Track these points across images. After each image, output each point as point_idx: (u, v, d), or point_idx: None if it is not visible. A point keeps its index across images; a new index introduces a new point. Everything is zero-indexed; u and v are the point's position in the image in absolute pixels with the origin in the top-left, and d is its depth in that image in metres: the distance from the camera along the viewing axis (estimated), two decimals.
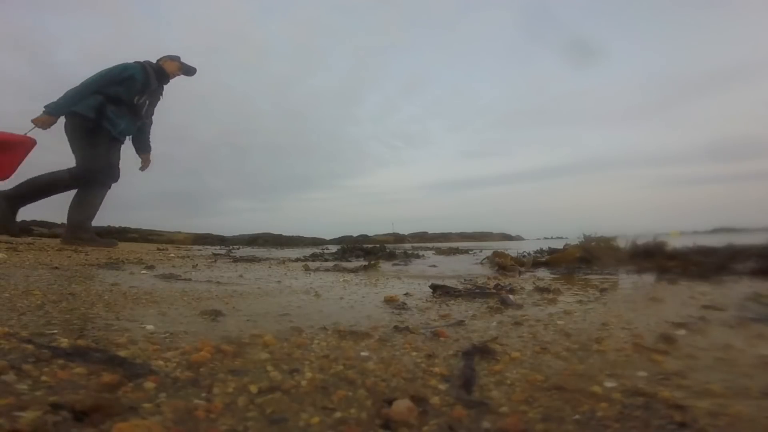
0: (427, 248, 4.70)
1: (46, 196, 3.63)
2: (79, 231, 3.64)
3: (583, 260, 2.56)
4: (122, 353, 0.64)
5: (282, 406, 0.50)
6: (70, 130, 3.55)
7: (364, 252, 3.42)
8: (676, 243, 2.59)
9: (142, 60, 3.87)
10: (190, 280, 1.72)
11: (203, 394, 0.52)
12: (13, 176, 3.46)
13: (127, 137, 3.95)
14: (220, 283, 1.67)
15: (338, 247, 4.25)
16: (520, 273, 2.27)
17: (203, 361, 0.63)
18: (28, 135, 3.45)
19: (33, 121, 3.42)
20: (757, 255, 2.19)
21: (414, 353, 0.73)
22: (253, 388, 0.54)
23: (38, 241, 4.15)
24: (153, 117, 4.14)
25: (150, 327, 0.83)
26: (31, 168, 3.61)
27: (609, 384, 0.59)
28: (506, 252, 2.94)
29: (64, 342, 0.67)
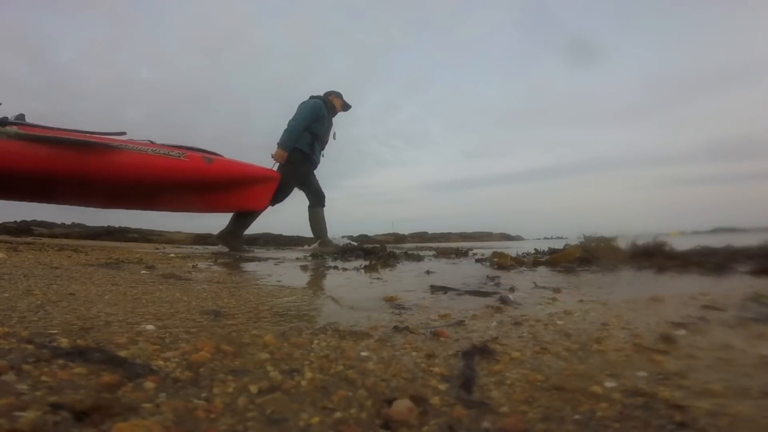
0: (428, 248, 4.72)
1: (253, 221, 4.22)
2: (231, 235, 4.14)
3: (583, 260, 2.56)
4: (122, 353, 0.64)
5: (282, 406, 0.50)
6: (289, 162, 4.18)
7: (365, 252, 3.42)
8: (675, 243, 2.59)
9: (319, 95, 4.43)
10: (190, 280, 1.72)
11: (203, 394, 0.52)
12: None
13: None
14: (220, 282, 1.67)
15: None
16: (520, 273, 2.27)
17: (203, 361, 0.63)
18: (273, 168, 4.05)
19: (273, 156, 4.10)
20: (757, 255, 2.19)
21: (414, 353, 0.74)
22: (253, 388, 0.54)
23: (38, 241, 4.16)
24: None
25: (150, 327, 0.83)
26: None
27: (609, 384, 0.59)
28: (506, 252, 2.94)
29: (64, 342, 0.67)
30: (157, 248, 4.32)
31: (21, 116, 3.27)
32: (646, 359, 0.71)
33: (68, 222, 6.68)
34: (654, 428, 0.47)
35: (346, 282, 1.86)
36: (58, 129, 3.30)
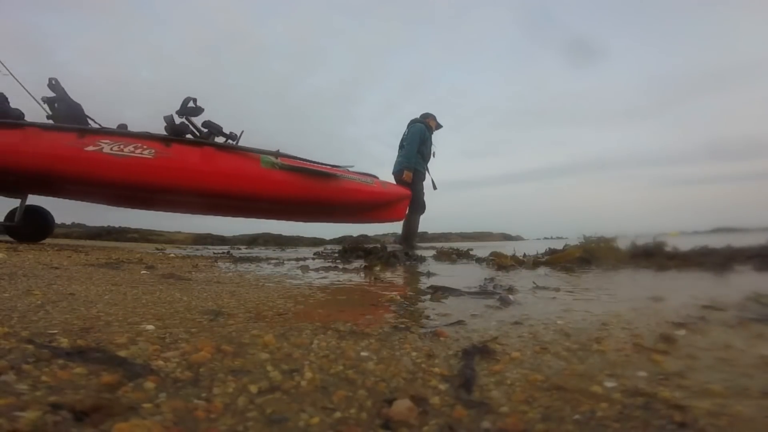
0: (428, 248, 4.75)
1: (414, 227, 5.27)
2: (408, 240, 5.18)
3: (583, 260, 2.56)
4: (122, 353, 0.64)
5: (282, 406, 0.50)
6: (414, 180, 5.09)
7: (365, 252, 3.41)
8: (676, 243, 2.59)
9: (417, 118, 5.35)
10: (190, 280, 1.72)
11: (203, 394, 0.52)
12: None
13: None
14: (220, 283, 1.67)
15: (339, 247, 4.26)
16: (519, 273, 2.27)
17: (203, 361, 0.63)
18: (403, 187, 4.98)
19: (404, 178, 5.03)
20: (757, 255, 2.19)
21: (414, 353, 0.74)
22: (253, 388, 0.54)
23: (38, 241, 4.16)
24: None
25: (150, 327, 0.83)
26: None
27: (609, 384, 0.59)
28: (506, 252, 2.94)
29: (64, 342, 0.67)
30: (157, 248, 4.32)
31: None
32: (646, 359, 0.71)
33: (68, 222, 6.68)
34: (654, 428, 0.47)
35: (346, 282, 1.86)
36: (302, 159, 4.32)
